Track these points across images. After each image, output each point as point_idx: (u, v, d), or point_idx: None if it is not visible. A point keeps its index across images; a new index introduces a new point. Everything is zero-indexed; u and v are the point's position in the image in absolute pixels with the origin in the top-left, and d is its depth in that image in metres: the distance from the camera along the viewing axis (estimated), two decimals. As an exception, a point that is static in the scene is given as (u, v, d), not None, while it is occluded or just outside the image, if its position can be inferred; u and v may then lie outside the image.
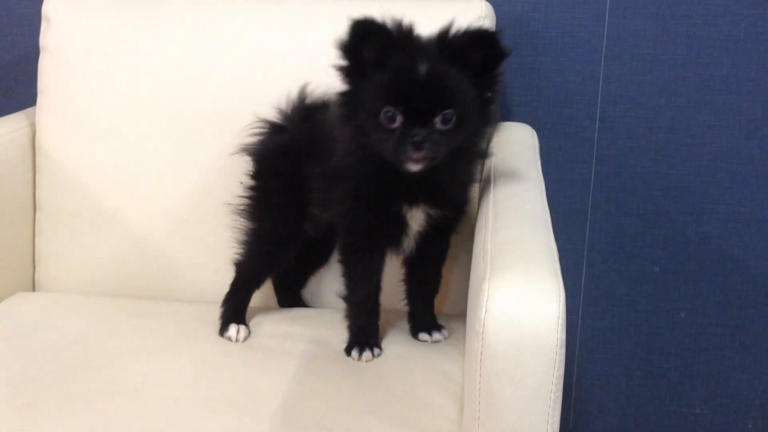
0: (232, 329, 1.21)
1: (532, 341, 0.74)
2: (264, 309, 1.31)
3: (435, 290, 1.23)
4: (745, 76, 1.45)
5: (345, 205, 1.14)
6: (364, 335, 1.16)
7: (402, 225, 1.12)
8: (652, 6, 1.44)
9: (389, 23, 1.03)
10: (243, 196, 1.26)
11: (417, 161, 1.01)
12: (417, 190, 1.09)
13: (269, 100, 1.32)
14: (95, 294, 1.36)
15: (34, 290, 1.41)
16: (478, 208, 1.18)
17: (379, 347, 1.16)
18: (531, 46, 1.48)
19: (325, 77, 1.27)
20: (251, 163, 1.26)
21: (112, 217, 1.36)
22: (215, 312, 1.27)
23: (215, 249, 1.34)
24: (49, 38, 1.39)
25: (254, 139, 1.27)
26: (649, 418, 1.63)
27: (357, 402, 1.04)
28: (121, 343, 1.19)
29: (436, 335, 1.20)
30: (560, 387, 0.76)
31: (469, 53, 1.03)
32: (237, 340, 1.20)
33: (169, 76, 1.35)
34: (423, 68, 1.01)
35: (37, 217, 1.39)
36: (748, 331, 1.56)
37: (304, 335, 1.22)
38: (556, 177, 1.50)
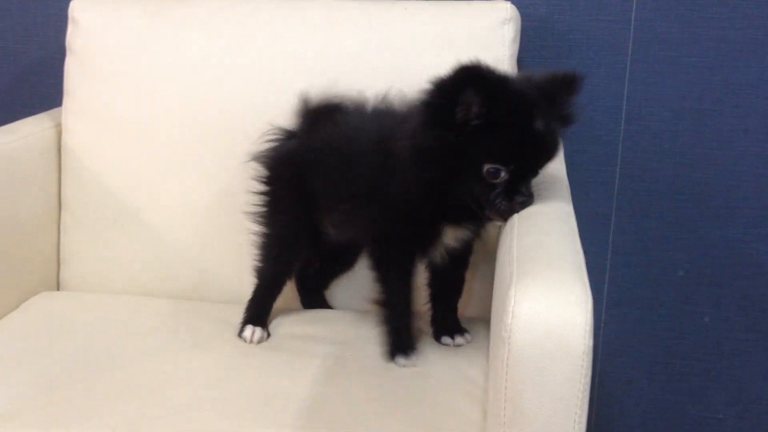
0: (248, 330, 1.21)
1: (559, 347, 0.74)
2: (286, 310, 1.31)
3: (458, 294, 1.23)
4: (771, 79, 1.44)
5: (381, 224, 1.13)
6: (406, 339, 1.15)
7: (439, 240, 1.12)
8: (678, 8, 1.43)
9: (494, 71, 0.99)
10: (255, 203, 1.26)
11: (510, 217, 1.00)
12: (461, 212, 1.08)
13: (294, 100, 1.32)
14: (119, 293, 1.37)
15: (58, 289, 1.42)
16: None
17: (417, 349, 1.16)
18: (555, 48, 1.47)
19: (348, 81, 1.30)
20: (261, 169, 1.26)
21: (136, 216, 1.37)
22: (238, 312, 1.27)
23: (239, 249, 1.34)
24: (75, 40, 1.40)
25: (267, 146, 1.27)
26: (671, 423, 1.62)
27: (379, 405, 1.04)
28: (145, 343, 1.19)
29: (459, 339, 1.20)
30: (587, 393, 0.75)
31: (563, 101, 1.04)
32: (251, 342, 1.20)
33: (194, 78, 1.36)
34: (539, 125, 0.98)
35: (62, 216, 1.40)
36: (772, 336, 1.54)
37: (326, 337, 1.22)
38: (580, 180, 1.49)
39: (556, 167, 1.18)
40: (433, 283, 1.22)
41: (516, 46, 1.34)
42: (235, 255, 1.35)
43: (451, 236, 1.13)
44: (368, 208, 1.13)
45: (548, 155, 1.01)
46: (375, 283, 1.17)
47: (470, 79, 0.97)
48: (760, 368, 1.56)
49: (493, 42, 1.31)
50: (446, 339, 1.20)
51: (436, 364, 1.14)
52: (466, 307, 1.29)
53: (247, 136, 1.32)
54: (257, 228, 1.26)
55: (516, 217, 0.98)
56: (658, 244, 1.54)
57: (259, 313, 1.24)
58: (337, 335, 1.23)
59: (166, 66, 1.37)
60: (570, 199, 1.07)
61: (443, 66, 1.27)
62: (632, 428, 1.64)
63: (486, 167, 0.98)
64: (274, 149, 1.26)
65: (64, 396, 1.05)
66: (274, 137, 1.27)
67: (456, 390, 1.07)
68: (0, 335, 1.22)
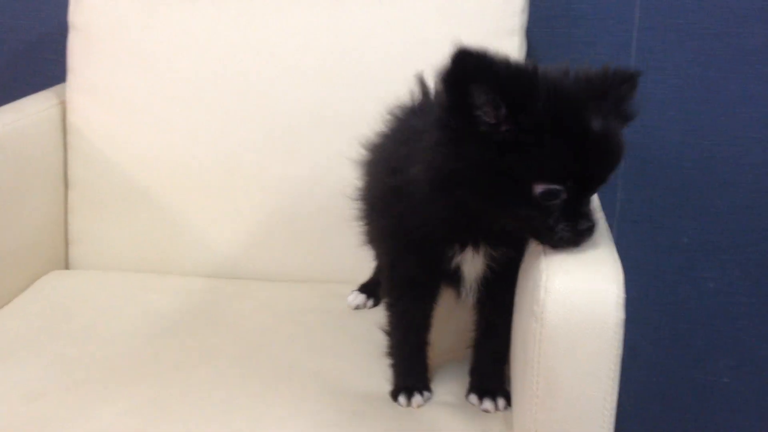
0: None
1: (592, 321, 0.75)
2: (308, 283, 1.32)
3: (499, 343, 0.99)
4: (777, 46, 1.44)
5: (383, 243, 1.02)
6: (411, 377, 1.02)
7: (454, 270, 0.94)
8: (684, -24, 1.43)
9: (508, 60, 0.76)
10: None
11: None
12: (476, 229, 0.89)
13: (301, 76, 1.32)
14: (129, 271, 1.37)
15: (67, 268, 1.41)
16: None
17: (429, 390, 1.01)
18: (564, 18, 1.47)
19: (355, 55, 1.29)
20: None
21: (144, 194, 1.36)
22: (249, 288, 1.29)
23: (248, 226, 1.34)
24: (78, 15, 1.38)
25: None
26: (676, 387, 1.64)
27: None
28: (162, 321, 1.19)
29: (487, 404, 0.98)
30: (618, 365, 0.76)
31: (619, 97, 0.84)
32: (357, 306, 1.24)
33: (200, 53, 1.34)
34: (597, 125, 0.77)
35: (69, 195, 1.39)
36: (776, 300, 1.56)
37: (345, 311, 1.23)
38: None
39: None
40: (477, 328, 1.03)
41: (525, 17, 1.33)
42: (243, 231, 1.35)
43: (474, 263, 0.94)
44: (376, 228, 1.03)
45: (615, 161, 0.82)
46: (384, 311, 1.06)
47: (473, 71, 0.75)
48: (764, 332, 1.58)
49: (503, 13, 1.30)
50: (472, 398, 1.00)
51: (453, 334, 1.15)
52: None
53: (254, 113, 1.32)
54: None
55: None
56: (664, 212, 1.55)
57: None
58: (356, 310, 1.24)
59: (172, 41, 1.35)
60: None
61: (453, 38, 1.28)
62: (637, 393, 1.66)
63: (538, 189, 0.78)
64: None
65: (86, 375, 1.05)
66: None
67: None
68: (15, 315, 1.22)
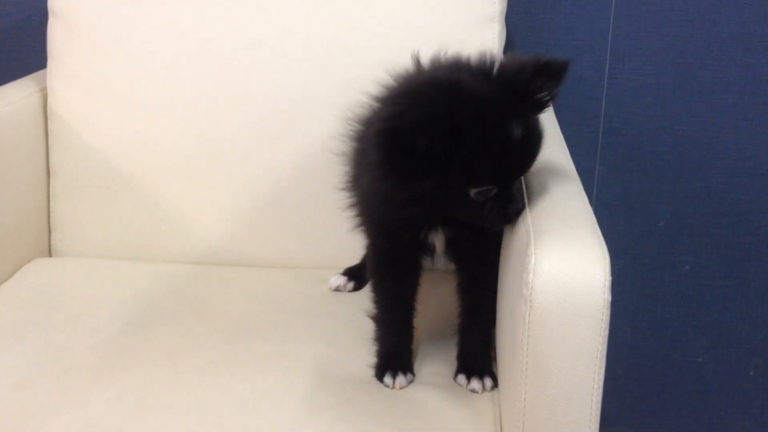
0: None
1: (580, 303, 0.77)
2: (298, 269, 1.33)
3: (485, 326, 1.05)
4: (751, 32, 1.46)
5: (366, 226, 1.08)
6: (396, 359, 1.04)
7: (427, 246, 1.03)
8: (661, -37, 1.45)
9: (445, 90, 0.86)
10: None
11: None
12: (431, 219, 1.00)
13: (284, 63, 1.32)
14: (113, 259, 1.37)
15: (50, 256, 1.41)
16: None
17: (413, 372, 1.04)
18: (540, 4, 1.49)
19: (339, 43, 1.30)
20: None
21: (127, 181, 1.36)
22: (234, 274, 1.29)
23: (231, 213, 1.35)
24: (58, 2, 1.36)
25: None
26: (654, 367, 1.68)
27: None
28: (148, 308, 1.20)
29: (475, 383, 1.01)
30: (605, 345, 0.78)
31: (538, 88, 0.90)
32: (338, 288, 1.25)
33: (182, 39, 1.34)
34: (517, 131, 0.87)
35: (51, 183, 1.39)
36: (750, 282, 1.60)
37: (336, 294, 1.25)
38: (564, 135, 1.50)
39: (553, 128, 1.20)
40: (461, 311, 1.07)
41: (504, 4, 1.34)
42: (227, 219, 1.35)
43: (442, 238, 1.02)
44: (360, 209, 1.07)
45: (534, 154, 0.90)
46: (371, 294, 1.10)
47: (418, 127, 0.84)
48: (738, 313, 1.62)
49: (483, 1, 1.31)
50: (461, 378, 1.03)
51: (440, 318, 1.16)
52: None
53: (237, 100, 1.33)
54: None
55: (523, 178, 0.99)
56: (640, 196, 1.58)
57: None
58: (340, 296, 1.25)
59: (153, 27, 1.35)
60: (570, 158, 1.09)
61: (435, 26, 1.30)
62: (616, 374, 1.69)
63: (473, 192, 0.88)
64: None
65: (75, 363, 1.06)
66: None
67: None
68: (1, 303, 1.21)
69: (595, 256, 0.78)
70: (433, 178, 0.86)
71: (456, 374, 1.03)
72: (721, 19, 1.46)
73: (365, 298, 1.20)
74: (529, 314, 0.78)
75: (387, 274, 1.08)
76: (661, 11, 1.47)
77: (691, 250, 1.60)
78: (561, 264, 0.77)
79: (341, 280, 1.27)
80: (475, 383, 1.01)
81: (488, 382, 1.01)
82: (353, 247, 1.27)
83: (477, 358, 1.04)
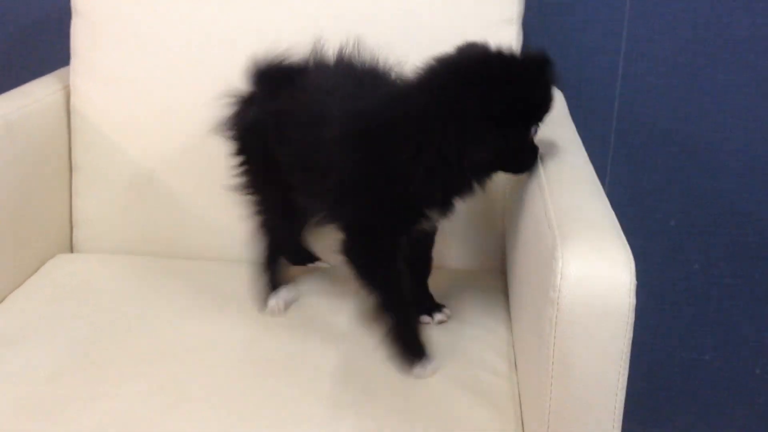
0: (272, 302, 1.20)
1: (607, 306, 0.79)
2: (307, 269, 1.35)
3: (427, 273, 1.21)
4: (763, 35, 1.48)
5: (361, 210, 1.07)
6: (419, 346, 1.08)
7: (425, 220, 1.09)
8: (675, -34, 1.47)
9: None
10: (234, 175, 1.22)
11: None
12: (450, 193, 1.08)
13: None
14: (134, 254, 1.39)
15: (72, 252, 1.43)
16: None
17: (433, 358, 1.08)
18: (555, 5, 1.51)
19: (357, 33, 1.31)
20: (229, 141, 1.21)
21: (149, 178, 1.38)
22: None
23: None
24: (80, 1, 1.38)
25: (226, 115, 1.20)
26: (662, 365, 1.70)
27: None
28: (171, 304, 1.22)
29: (439, 316, 1.17)
30: (630, 347, 0.81)
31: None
32: (281, 310, 1.20)
33: (204, 36, 1.36)
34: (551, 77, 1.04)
35: (73, 179, 1.41)
36: (758, 281, 1.62)
37: (347, 291, 1.25)
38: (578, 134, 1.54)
39: (570, 130, 1.23)
40: (413, 273, 1.15)
41: (522, 6, 1.36)
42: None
43: (434, 218, 1.09)
44: (342, 192, 1.07)
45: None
46: (360, 285, 1.10)
47: (516, 99, 1.00)
48: (746, 311, 1.65)
49: (502, 3, 1.33)
50: (425, 318, 1.17)
51: (459, 320, 1.19)
52: (462, 260, 1.34)
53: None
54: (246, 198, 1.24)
55: (543, 178, 1.02)
56: (651, 196, 1.60)
57: (271, 281, 1.23)
58: (352, 293, 1.25)
59: (175, 25, 1.36)
60: (588, 160, 1.11)
61: (455, 27, 1.31)
62: (624, 370, 1.72)
63: (533, 130, 1.04)
64: (236, 118, 1.20)
65: (102, 357, 1.08)
66: (232, 104, 1.20)
67: (482, 343, 1.13)
68: (28, 299, 1.24)
69: (620, 260, 0.81)
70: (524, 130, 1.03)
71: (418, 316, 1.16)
72: (733, 22, 1.48)
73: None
74: (556, 316, 0.80)
75: (394, 264, 1.08)
76: (674, 13, 1.49)
77: (701, 249, 1.62)
78: (588, 268, 0.80)
79: (274, 301, 1.22)
80: (439, 316, 1.18)
81: (446, 311, 1.19)
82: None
83: (427, 297, 1.20)
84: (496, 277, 1.31)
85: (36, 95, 1.35)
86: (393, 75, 1.11)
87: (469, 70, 1.01)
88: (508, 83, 0.99)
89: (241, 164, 1.22)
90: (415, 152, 1.00)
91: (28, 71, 1.55)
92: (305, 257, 1.36)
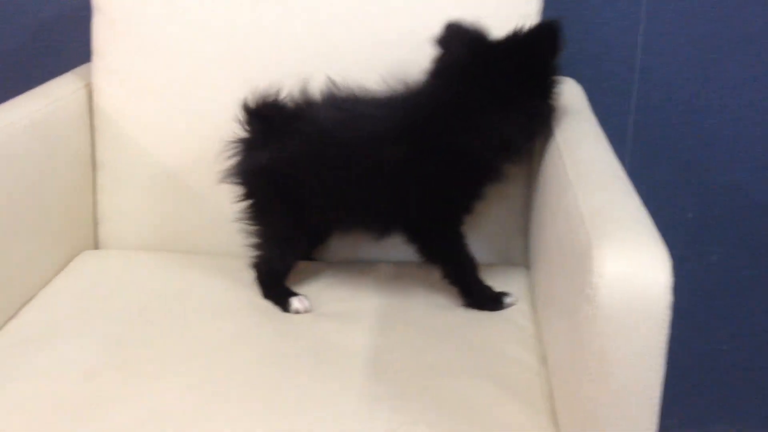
0: (295, 302, 1.21)
1: (645, 304, 0.80)
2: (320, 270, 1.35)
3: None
4: (780, 29, 1.50)
5: (425, 201, 1.18)
6: (490, 289, 1.23)
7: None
8: (692, -40, 1.47)
9: None
10: (240, 216, 1.27)
11: None
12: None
13: (324, 59, 1.34)
14: (159, 251, 1.39)
15: (96, 248, 1.44)
16: (539, 167, 1.22)
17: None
18: (573, 0, 1.51)
19: (378, 35, 1.32)
20: (237, 187, 1.26)
21: (172, 174, 1.39)
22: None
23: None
24: (103, -1, 1.39)
25: (231, 162, 1.25)
26: (679, 355, 1.69)
27: (441, 353, 1.10)
28: (202, 300, 1.23)
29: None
30: (667, 344, 0.82)
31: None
32: (306, 310, 1.21)
33: (224, 34, 1.36)
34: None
35: (97, 176, 1.42)
36: (775, 272, 1.64)
37: (366, 289, 1.28)
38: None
39: (593, 125, 1.23)
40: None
41: (542, 1, 1.37)
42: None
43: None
44: (408, 192, 1.17)
45: None
46: (434, 265, 1.22)
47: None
48: (763, 303, 1.66)
49: (523, -1, 1.34)
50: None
51: (485, 315, 1.20)
52: (485, 255, 1.35)
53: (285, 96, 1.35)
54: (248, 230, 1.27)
55: (571, 175, 1.03)
56: (668, 189, 1.61)
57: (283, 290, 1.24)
58: (374, 288, 1.28)
59: (196, 23, 1.37)
60: (614, 155, 1.12)
61: (474, 21, 1.32)
62: (641, 362, 1.73)
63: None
64: (243, 164, 1.24)
65: (136, 354, 1.09)
66: (234, 151, 1.25)
67: (510, 338, 1.14)
68: (57, 296, 1.24)
69: (657, 258, 0.82)
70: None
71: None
72: (749, 17, 1.49)
73: (411, 289, 1.25)
74: (594, 315, 0.81)
75: (463, 239, 1.23)
76: (692, 7, 1.50)
77: (718, 241, 1.63)
78: (626, 266, 0.81)
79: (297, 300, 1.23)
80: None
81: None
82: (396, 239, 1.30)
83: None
84: (519, 272, 1.32)
85: (58, 94, 1.35)
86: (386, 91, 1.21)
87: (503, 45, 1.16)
88: (531, 53, 1.15)
89: (250, 207, 1.26)
90: (471, 131, 1.13)
91: (44, 68, 1.55)
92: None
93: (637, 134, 1.58)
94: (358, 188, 1.18)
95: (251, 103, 1.23)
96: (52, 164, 1.32)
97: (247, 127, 1.23)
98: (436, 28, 1.33)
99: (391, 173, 1.15)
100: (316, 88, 1.24)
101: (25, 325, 1.17)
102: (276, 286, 1.24)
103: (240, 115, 1.23)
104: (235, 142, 1.25)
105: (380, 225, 1.23)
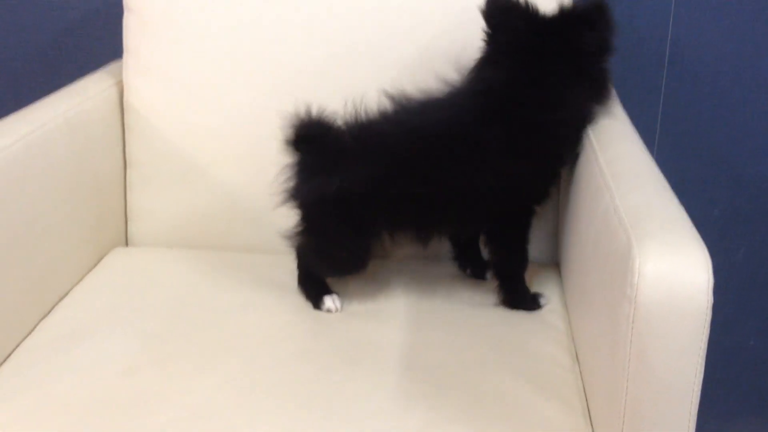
0: (328, 301, 1.21)
1: (685, 304, 0.80)
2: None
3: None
4: (809, 23, 1.49)
5: (511, 199, 1.21)
6: (528, 291, 1.25)
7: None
8: (723, -48, 1.47)
9: None
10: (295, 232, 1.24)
11: None
12: None
13: (353, 54, 1.35)
14: (188, 248, 1.40)
15: (127, 245, 1.45)
16: (575, 166, 1.22)
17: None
18: (603, -5, 1.50)
19: (415, 28, 1.33)
20: (301, 213, 1.22)
21: (203, 171, 1.40)
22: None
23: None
24: (132, -3, 1.40)
25: (288, 185, 1.21)
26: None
27: (477, 352, 1.11)
28: (235, 297, 1.24)
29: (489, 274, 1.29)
30: (706, 344, 0.82)
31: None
32: (337, 309, 1.21)
33: (255, 31, 1.37)
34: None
35: (128, 174, 1.43)
36: (802, 268, 1.63)
37: (397, 287, 1.28)
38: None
39: (625, 123, 1.23)
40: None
41: (570, -5, 1.36)
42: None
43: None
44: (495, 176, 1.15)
45: None
46: (497, 256, 1.25)
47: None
48: (790, 298, 1.66)
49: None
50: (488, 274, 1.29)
51: (516, 313, 1.20)
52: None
53: (310, 91, 1.34)
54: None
55: (608, 174, 1.03)
56: (696, 184, 1.61)
57: (320, 285, 1.24)
58: (403, 286, 1.28)
59: (227, 20, 1.37)
60: (649, 154, 1.12)
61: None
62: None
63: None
64: (306, 192, 1.19)
65: (174, 350, 1.10)
66: (289, 175, 1.21)
67: (542, 336, 1.14)
68: (92, 293, 1.26)
69: (698, 258, 0.82)
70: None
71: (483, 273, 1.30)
72: (781, 11, 1.49)
73: (440, 287, 1.26)
74: (634, 314, 0.81)
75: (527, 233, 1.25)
76: (722, 1, 1.49)
77: (745, 236, 1.63)
78: (666, 266, 0.81)
79: (330, 300, 1.23)
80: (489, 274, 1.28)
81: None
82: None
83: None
84: (550, 270, 1.33)
85: (88, 93, 1.36)
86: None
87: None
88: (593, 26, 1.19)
89: (308, 230, 1.23)
90: (557, 106, 1.17)
91: (75, 64, 1.57)
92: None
93: (665, 129, 1.58)
94: (457, 185, 1.16)
95: (299, 126, 1.18)
96: (84, 162, 1.33)
97: (297, 150, 1.19)
98: (471, 25, 1.33)
99: (491, 156, 1.14)
100: (348, 89, 1.23)
101: (60, 323, 1.18)
102: (314, 280, 1.24)
103: (288, 136, 1.19)
104: (290, 165, 1.20)
105: (468, 221, 1.23)
